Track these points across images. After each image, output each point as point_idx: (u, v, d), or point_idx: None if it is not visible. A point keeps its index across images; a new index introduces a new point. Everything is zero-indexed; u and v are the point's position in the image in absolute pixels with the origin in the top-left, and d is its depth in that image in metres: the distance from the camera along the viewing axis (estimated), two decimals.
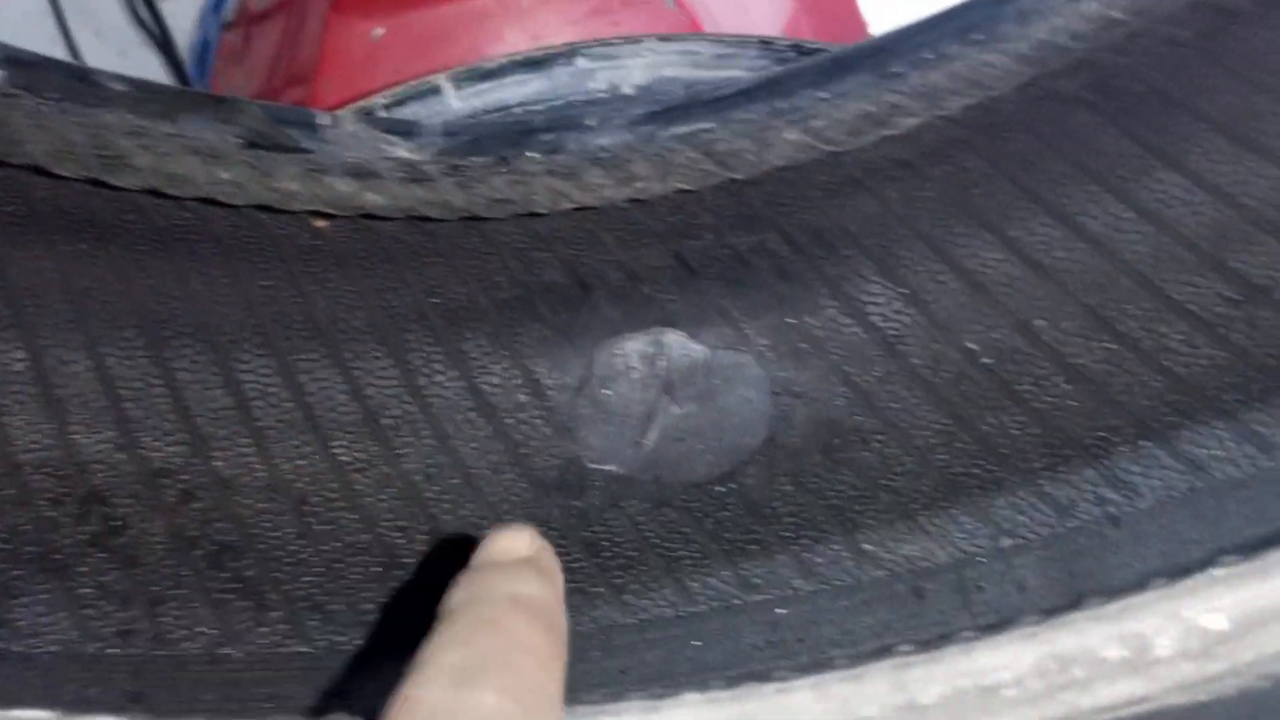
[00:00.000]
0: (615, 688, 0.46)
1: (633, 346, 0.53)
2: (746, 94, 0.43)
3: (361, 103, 0.67)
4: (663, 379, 0.52)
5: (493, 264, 0.51)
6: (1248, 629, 0.23)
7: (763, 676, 0.35)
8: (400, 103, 0.66)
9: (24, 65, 0.38)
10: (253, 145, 0.40)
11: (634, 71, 0.67)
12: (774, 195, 0.50)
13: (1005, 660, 0.25)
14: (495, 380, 0.51)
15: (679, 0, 1.08)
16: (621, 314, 0.52)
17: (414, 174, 0.41)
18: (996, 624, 0.37)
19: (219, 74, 1.41)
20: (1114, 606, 0.25)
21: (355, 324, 0.51)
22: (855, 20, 1.24)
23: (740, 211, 0.51)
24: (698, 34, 0.70)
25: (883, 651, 0.38)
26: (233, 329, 0.49)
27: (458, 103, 0.66)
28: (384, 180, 0.41)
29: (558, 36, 1.10)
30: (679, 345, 0.53)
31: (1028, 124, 0.49)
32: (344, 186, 0.41)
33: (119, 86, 0.39)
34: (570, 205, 0.44)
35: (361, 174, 0.41)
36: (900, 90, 0.42)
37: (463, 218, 0.45)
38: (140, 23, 1.56)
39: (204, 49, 1.40)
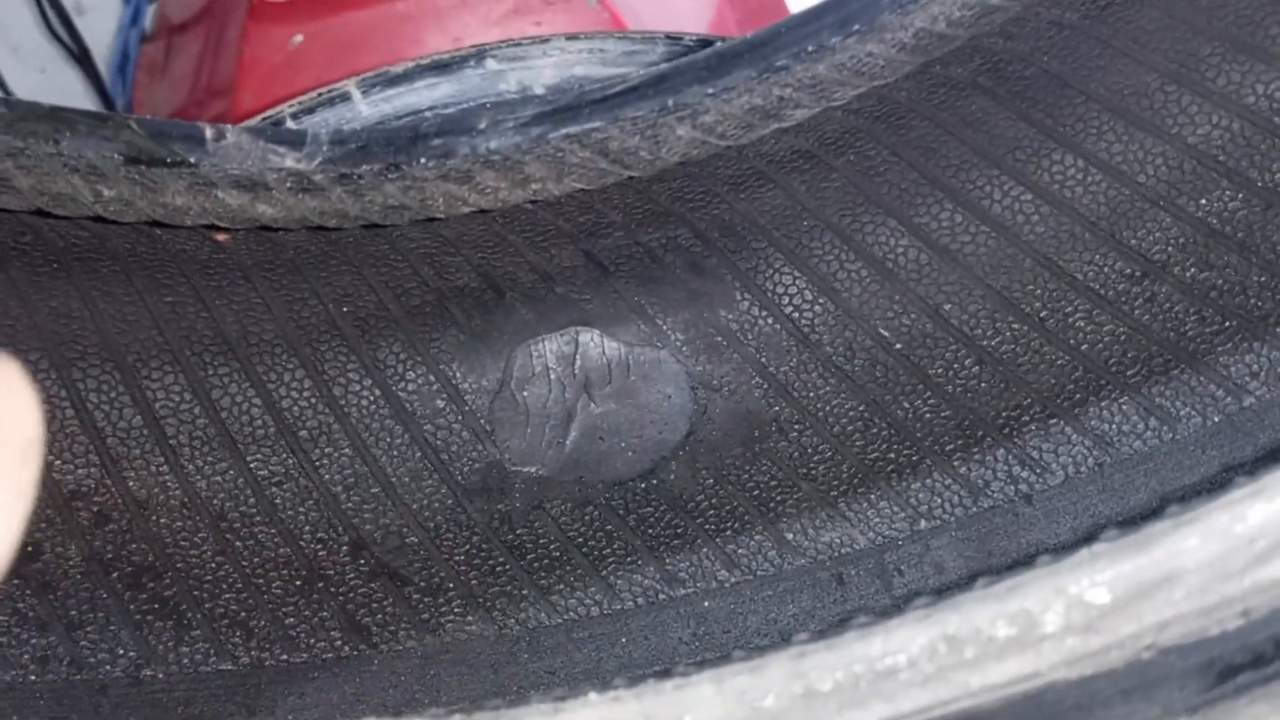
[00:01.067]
0: (544, 689, 0.46)
1: (549, 347, 0.53)
2: (635, 91, 0.43)
3: (270, 112, 0.67)
4: (581, 378, 0.53)
5: (402, 271, 0.51)
6: (1128, 601, 0.24)
7: (665, 673, 0.35)
8: (309, 110, 0.65)
9: None
10: (134, 161, 0.39)
11: (544, 71, 0.67)
12: (680, 191, 0.51)
13: (899, 644, 0.25)
14: (412, 387, 0.51)
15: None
16: (536, 315, 0.52)
17: (303, 184, 0.41)
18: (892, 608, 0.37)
19: (140, 87, 1.38)
20: (1002, 585, 0.25)
21: (266, 336, 0.50)
22: (780, 15, 1.25)
23: (648, 208, 0.51)
24: (606, 31, 0.70)
25: (780, 641, 0.38)
26: (140, 347, 0.49)
27: (367, 108, 0.66)
28: (273, 191, 0.41)
29: (478, 38, 1.10)
30: (595, 344, 0.53)
31: (925, 111, 0.50)
32: (233, 199, 0.41)
33: None
34: (468, 209, 0.44)
35: (250, 186, 0.40)
36: (786, 83, 0.43)
37: (364, 225, 0.45)
38: (57, 39, 1.53)
39: (123, 62, 1.38)
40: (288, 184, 0.40)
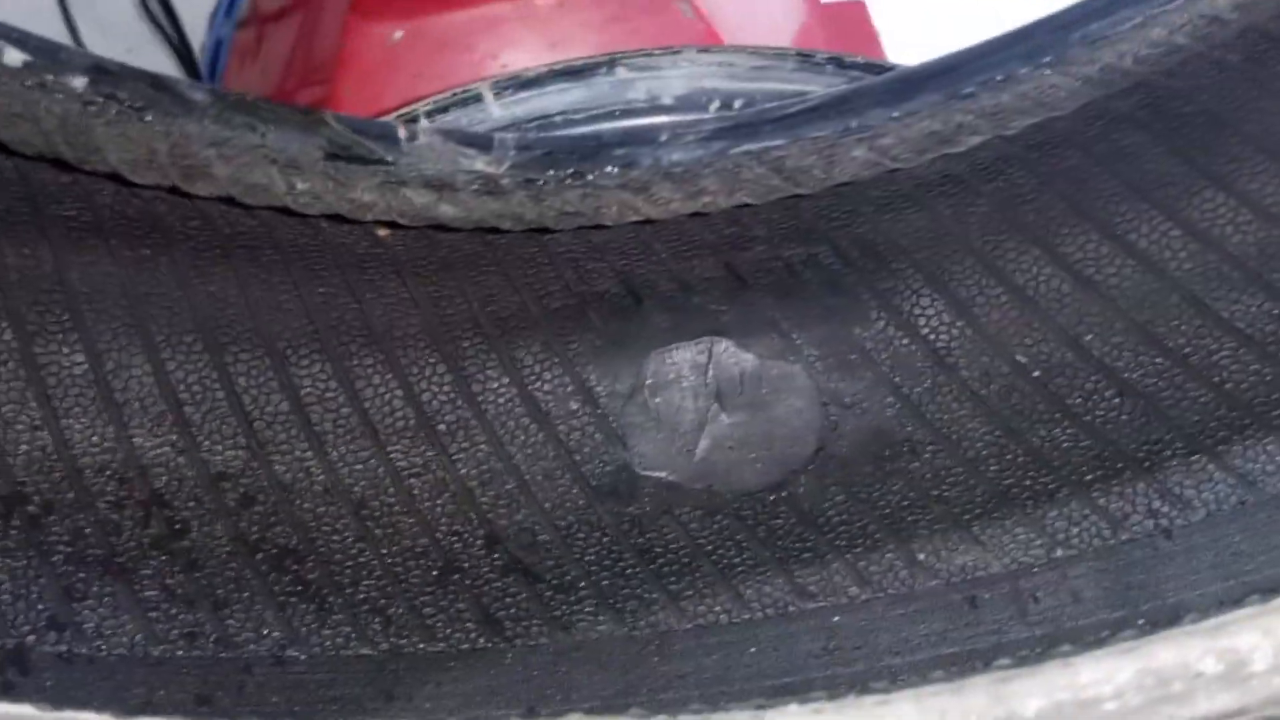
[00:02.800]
0: (673, 693, 0.47)
1: (683, 355, 0.53)
2: (817, 111, 0.43)
3: (404, 110, 0.68)
4: (713, 388, 0.53)
5: (547, 273, 0.52)
6: None
7: (865, 688, 0.35)
8: (442, 110, 0.66)
9: (108, 74, 0.39)
10: (333, 156, 0.40)
11: (673, 82, 0.68)
12: (826, 209, 0.51)
13: (1105, 674, 0.25)
14: (547, 387, 0.52)
15: (697, 9, 1.09)
16: (672, 323, 0.53)
17: (489, 187, 0.42)
18: (1094, 640, 0.38)
19: (232, 72, 1.41)
20: (1210, 622, 0.25)
21: (410, 331, 0.51)
22: (868, 31, 1.25)
23: (793, 224, 0.52)
24: (736, 46, 0.70)
25: (980, 665, 0.39)
26: (290, 335, 0.50)
27: (498, 110, 0.67)
28: (459, 193, 0.42)
29: (575, 43, 1.11)
30: (729, 355, 0.53)
31: (1080, 142, 0.50)
32: (420, 199, 0.41)
33: (200, 96, 0.39)
34: (636, 218, 0.45)
35: (438, 186, 0.41)
36: (969, 110, 0.43)
37: (528, 230, 0.46)
38: (152, 19, 1.55)
39: (217, 49, 1.40)
40: (474, 186, 0.41)
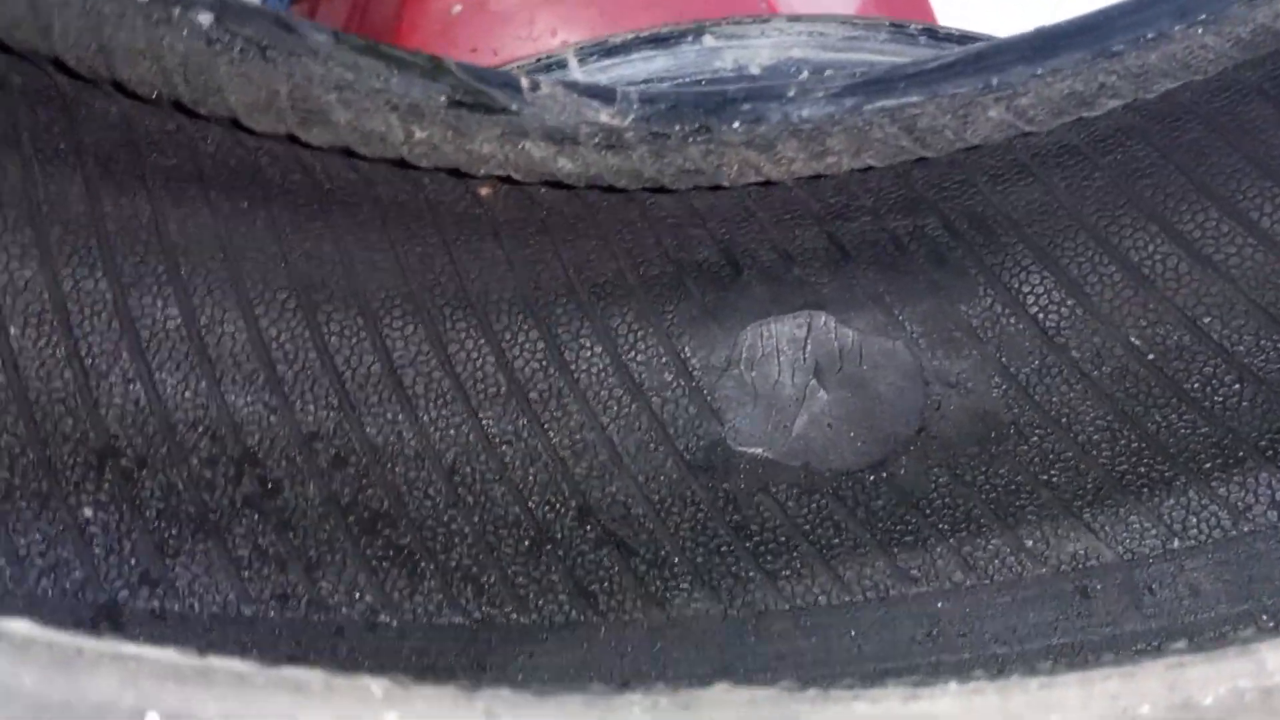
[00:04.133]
0: (771, 674, 0.45)
1: (781, 329, 0.52)
2: (954, 68, 0.42)
3: None
4: (811, 363, 0.51)
5: (646, 239, 0.50)
6: None
7: (1030, 669, 0.34)
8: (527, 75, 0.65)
9: (233, 10, 0.37)
10: (457, 104, 0.39)
11: (761, 51, 0.66)
12: (938, 178, 0.49)
13: None
14: (641, 358, 0.51)
15: None
16: (771, 295, 0.51)
17: (611, 141, 0.40)
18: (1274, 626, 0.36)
19: None
20: None
21: (505, 295, 0.50)
22: (923, 6, 1.23)
23: (902, 195, 0.50)
24: (827, 15, 0.69)
25: (1152, 651, 0.37)
26: (385, 295, 0.48)
27: (582, 77, 0.65)
28: (580, 146, 0.40)
29: (633, 16, 1.10)
30: (829, 328, 0.52)
31: (1203, 114, 0.48)
32: (539, 151, 0.40)
33: (323, 38, 0.38)
34: (756, 179, 0.43)
35: (560, 139, 0.40)
36: (1114, 70, 0.41)
37: (630, 192, 0.44)
38: None
39: None
40: (596, 139, 0.39)
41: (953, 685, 0.28)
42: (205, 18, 0.37)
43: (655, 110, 0.41)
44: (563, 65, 0.66)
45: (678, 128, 0.41)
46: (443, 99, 0.39)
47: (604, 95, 0.40)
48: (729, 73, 0.66)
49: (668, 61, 0.66)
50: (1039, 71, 0.41)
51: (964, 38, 0.65)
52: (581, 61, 0.66)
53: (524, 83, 0.40)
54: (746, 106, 0.41)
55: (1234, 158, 0.49)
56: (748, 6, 1.09)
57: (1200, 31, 0.41)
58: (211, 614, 0.42)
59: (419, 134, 0.39)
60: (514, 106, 0.39)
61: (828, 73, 0.65)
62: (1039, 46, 0.42)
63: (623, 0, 1.10)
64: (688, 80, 0.66)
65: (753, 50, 0.67)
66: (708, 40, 0.66)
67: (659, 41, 0.66)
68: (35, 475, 0.42)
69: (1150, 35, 0.41)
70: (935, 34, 0.65)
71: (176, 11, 0.37)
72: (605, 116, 0.40)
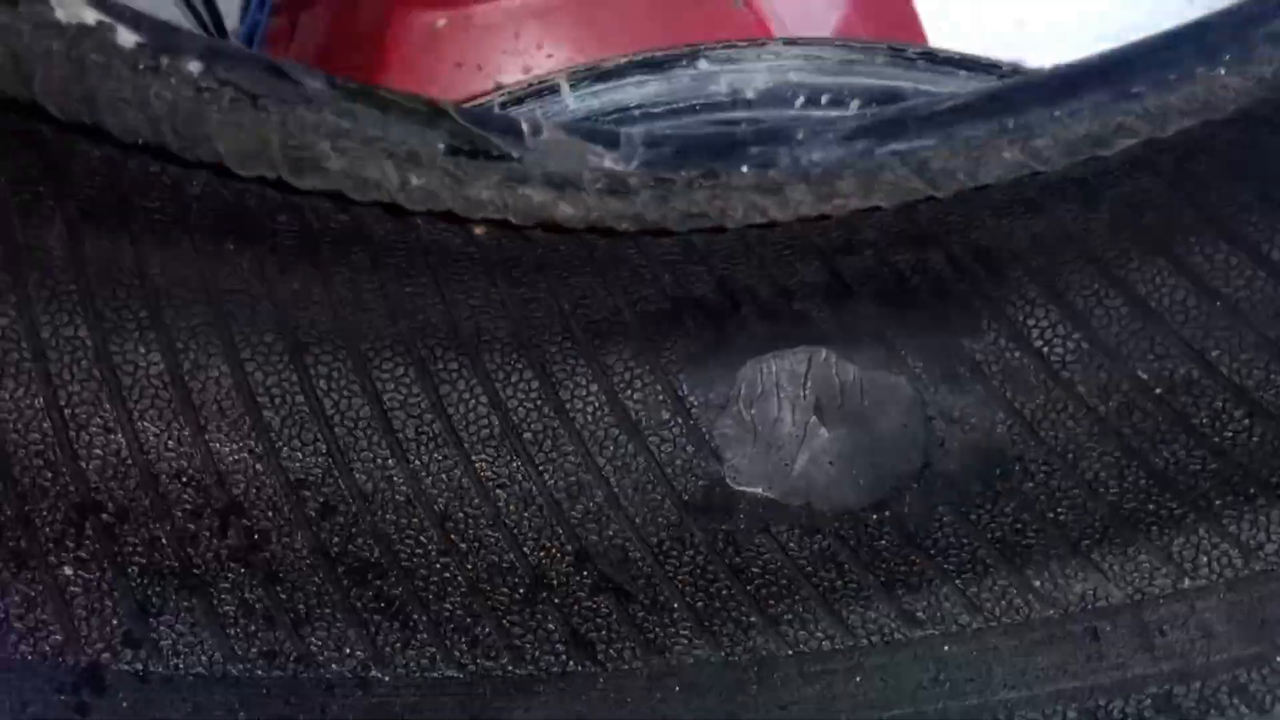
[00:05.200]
0: None
1: (781, 365, 0.50)
2: (969, 109, 0.40)
3: (479, 101, 0.65)
4: (812, 400, 0.50)
5: (643, 276, 0.49)
6: None
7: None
8: (517, 101, 0.64)
9: (223, 57, 0.36)
10: (455, 151, 0.37)
11: (757, 76, 0.65)
12: (943, 213, 0.48)
13: None
14: (638, 396, 0.49)
15: (747, 0, 1.06)
16: (771, 331, 0.50)
17: (614, 186, 0.39)
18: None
19: None
20: None
21: (499, 334, 0.48)
22: (911, 22, 1.22)
23: (905, 228, 0.49)
24: (823, 39, 0.68)
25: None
26: (374, 336, 0.47)
27: (574, 102, 0.64)
28: (582, 192, 0.39)
29: (620, 34, 1.09)
30: (830, 364, 0.50)
31: (1212, 145, 0.47)
32: (539, 197, 0.39)
33: (317, 85, 0.37)
34: (761, 221, 0.42)
35: (561, 184, 0.39)
36: (1132, 111, 0.40)
37: (643, 231, 0.43)
38: (190, 6, 1.53)
39: (251, 36, 1.39)
40: (599, 184, 0.38)
41: None
42: (194, 66, 0.36)
43: (660, 154, 0.39)
44: (555, 90, 0.65)
45: (683, 173, 0.40)
46: (441, 146, 0.38)
47: (607, 139, 0.39)
48: (724, 98, 0.65)
49: (661, 86, 0.65)
50: (1056, 114, 0.40)
51: (964, 61, 0.64)
52: (574, 87, 0.65)
53: (525, 127, 0.38)
54: (755, 150, 0.40)
55: (1243, 189, 0.48)
56: (737, 25, 1.08)
57: (1223, 72, 0.40)
58: (197, 675, 0.41)
59: (416, 181, 0.38)
60: (515, 153, 0.38)
61: (823, 99, 0.64)
62: (1057, 88, 0.41)
63: (608, 15, 1.09)
64: (682, 106, 0.65)
65: (748, 75, 0.66)
66: (702, 64, 0.65)
67: (653, 66, 0.65)
68: (13, 533, 0.40)
69: (1173, 76, 0.40)
70: (934, 57, 0.64)
71: (165, 60, 0.36)
72: (609, 162, 0.38)
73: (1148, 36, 0.41)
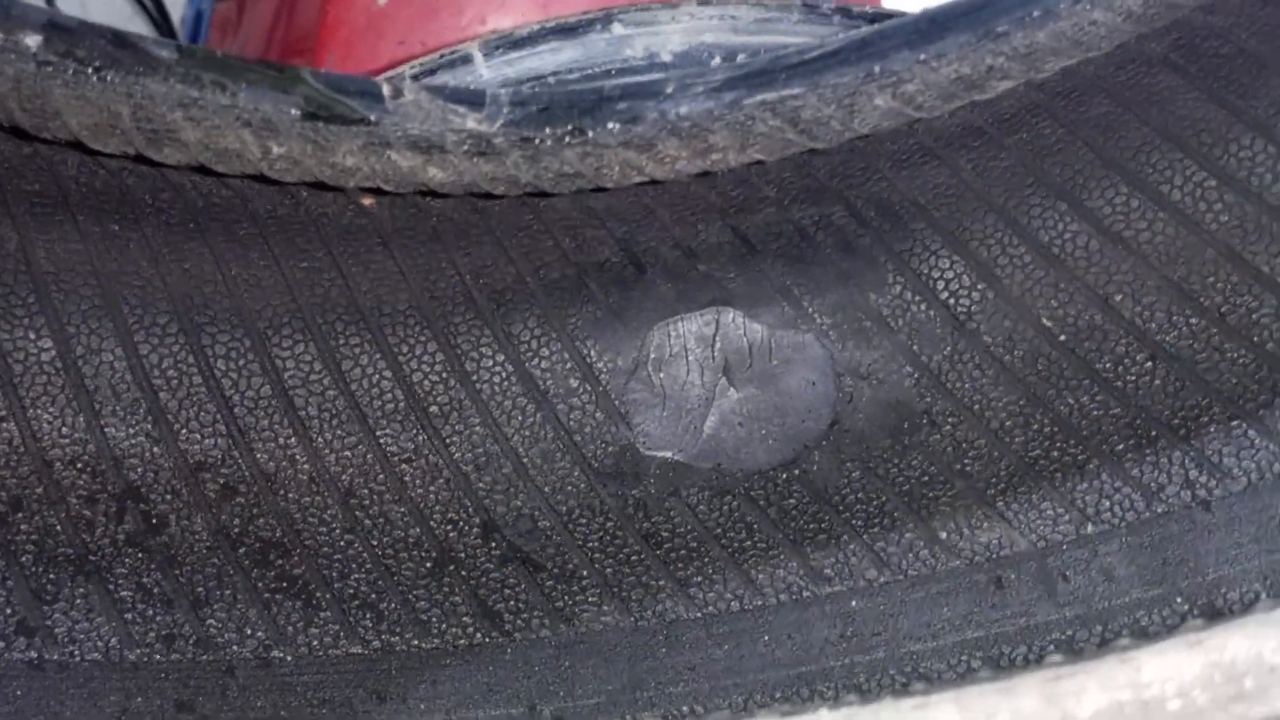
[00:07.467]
0: (683, 686, 0.44)
1: (688, 327, 0.50)
2: (836, 56, 0.40)
3: (391, 73, 0.64)
4: (720, 361, 0.50)
5: (544, 242, 0.49)
6: None
7: (903, 690, 0.32)
8: (430, 72, 0.63)
9: (63, 30, 0.35)
10: (311, 117, 0.37)
11: (672, 38, 0.64)
12: (840, 166, 0.48)
13: (1168, 670, 0.22)
14: (545, 364, 0.49)
15: None
16: (676, 293, 0.50)
17: (481, 147, 0.39)
18: (1153, 631, 0.35)
19: (213, 45, 1.38)
20: None
21: (400, 306, 0.48)
22: None
23: (804, 184, 0.48)
24: None
25: (1030, 661, 0.36)
26: (272, 313, 0.47)
27: (488, 72, 0.63)
28: (448, 154, 0.38)
29: (567, 4, 1.07)
30: (737, 325, 0.50)
31: (1109, 87, 0.47)
32: (406, 161, 0.38)
33: (166, 53, 0.36)
34: (641, 179, 0.42)
35: (426, 147, 0.38)
36: (1001, 51, 0.40)
37: (522, 194, 0.43)
38: None
39: (196, 21, 1.37)
40: (465, 146, 0.38)
41: (824, 711, 0.26)
42: (33, 40, 0.35)
43: (526, 113, 0.39)
44: (468, 60, 0.64)
45: (549, 130, 0.39)
46: (295, 112, 0.37)
47: (472, 100, 0.39)
48: (640, 61, 0.64)
49: (576, 52, 0.64)
50: (923, 57, 0.40)
51: (877, 15, 0.64)
52: (487, 56, 0.64)
53: (385, 90, 0.38)
54: (622, 105, 0.39)
55: (1142, 131, 0.48)
56: None
57: (1089, 7, 0.39)
58: (93, 661, 0.40)
59: (276, 149, 0.37)
60: (373, 117, 0.37)
61: (740, 58, 0.64)
62: (923, 31, 0.40)
63: None
64: (598, 71, 0.64)
65: (663, 37, 0.65)
66: (616, 28, 0.64)
67: (566, 32, 0.64)
68: None
69: (1036, 13, 0.39)
70: (850, 13, 0.64)
71: (1, 37, 0.35)
72: (472, 122, 0.38)
73: None
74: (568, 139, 0.39)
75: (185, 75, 0.36)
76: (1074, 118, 0.47)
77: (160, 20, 1.52)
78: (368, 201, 0.46)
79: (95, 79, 0.36)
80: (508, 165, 0.39)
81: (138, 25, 1.59)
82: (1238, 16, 0.45)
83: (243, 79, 0.36)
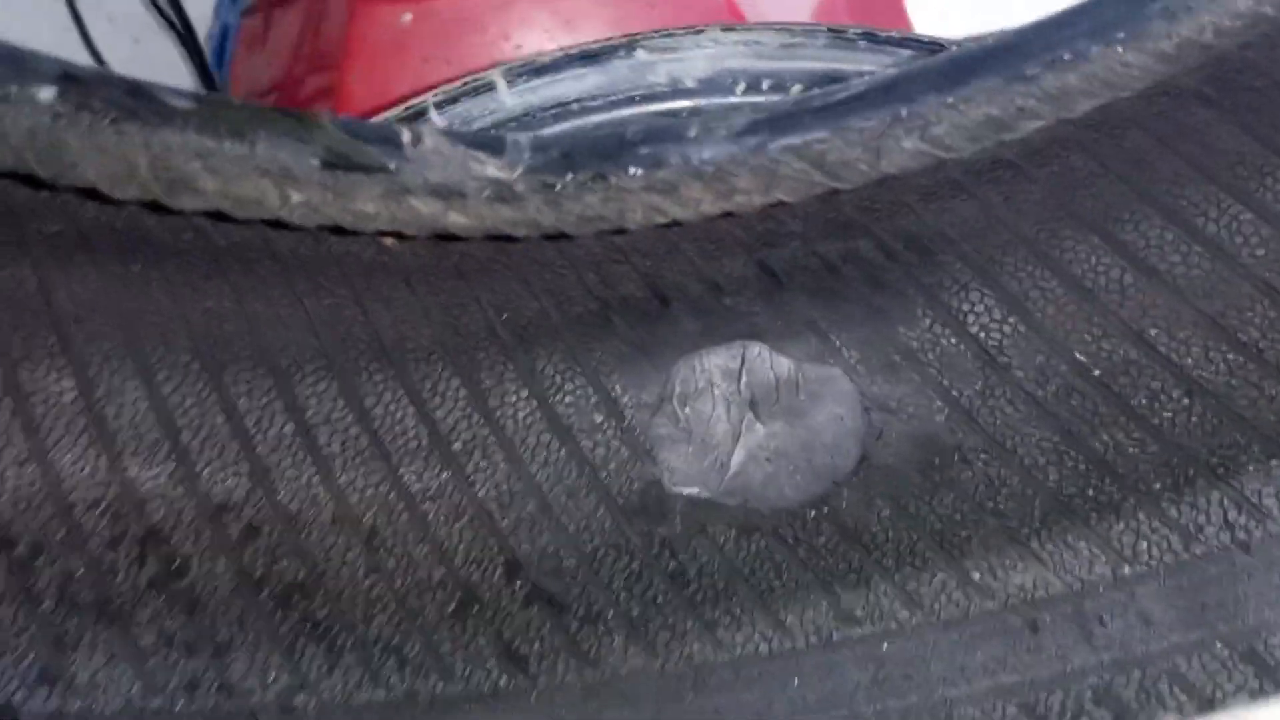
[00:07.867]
0: None
1: (714, 361, 0.49)
2: (862, 99, 0.39)
3: (413, 102, 0.64)
4: (746, 396, 0.49)
5: (568, 278, 0.48)
6: None
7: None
8: (453, 100, 0.62)
9: (78, 82, 0.35)
10: (330, 166, 0.36)
11: (696, 64, 0.64)
12: (867, 201, 0.47)
13: None
14: (569, 400, 0.48)
15: None
16: (702, 327, 0.49)
17: (502, 193, 0.38)
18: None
19: (239, 60, 1.38)
20: None
21: (423, 343, 0.47)
22: (894, 4, 1.20)
23: (831, 218, 0.48)
24: (763, 24, 0.66)
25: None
26: (294, 352, 0.46)
27: (511, 99, 0.63)
28: (469, 200, 0.38)
29: (592, 20, 1.07)
30: (763, 359, 0.49)
31: (1142, 121, 0.46)
32: (427, 208, 0.38)
33: (183, 104, 0.36)
34: (664, 220, 0.41)
35: (446, 194, 0.38)
36: (1030, 94, 0.39)
37: (546, 236, 0.42)
38: (157, 8, 1.52)
39: (223, 36, 1.37)
40: (486, 192, 0.37)
41: None
42: (47, 93, 0.35)
43: (547, 159, 0.38)
44: (491, 87, 0.63)
45: (570, 176, 0.39)
46: (315, 161, 0.37)
47: (492, 146, 0.38)
48: (664, 87, 0.64)
49: (600, 79, 0.64)
50: (950, 100, 0.39)
51: (905, 41, 0.63)
52: (510, 83, 0.63)
53: (405, 136, 0.37)
54: (644, 150, 0.39)
55: (1175, 163, 0.47)
56: (710, 9, 1.06)
57: (1120, 50, 0.38)
58: (114, 711, 0.40)
59: (296, 197, 0.37)
60: (392, 165, 0.37)
61: (764, 84, 0.63)
62: (949, 74, 0.39)
63: (580, 2, 1.07)
64: (621, 97, 0.64)
65: (687, 63, 0.64)
66: (640, 54, 0.64)
67: (589, 58, 0.64)
68: None
69: (1067, 56, 0.38)
70: (876, 37, 0.63)
71: (14, 89, 0.35)
72: (493, 169, 0.37)
73: (1044, 18, 0.40)
74: (589, 184, 0.39)
75: (202, 125, 0.36)
76: (1106, 150, 0.46)
77: (186, 35, 1.53)
78: (388, 241, 0.45)
79: (111, 130, 0.35)
80: (529, 211, 0.39)
81: (163, 41, 1.60)
82: (1272, 50, 0.44)
83: (260, 128, 0.36)
